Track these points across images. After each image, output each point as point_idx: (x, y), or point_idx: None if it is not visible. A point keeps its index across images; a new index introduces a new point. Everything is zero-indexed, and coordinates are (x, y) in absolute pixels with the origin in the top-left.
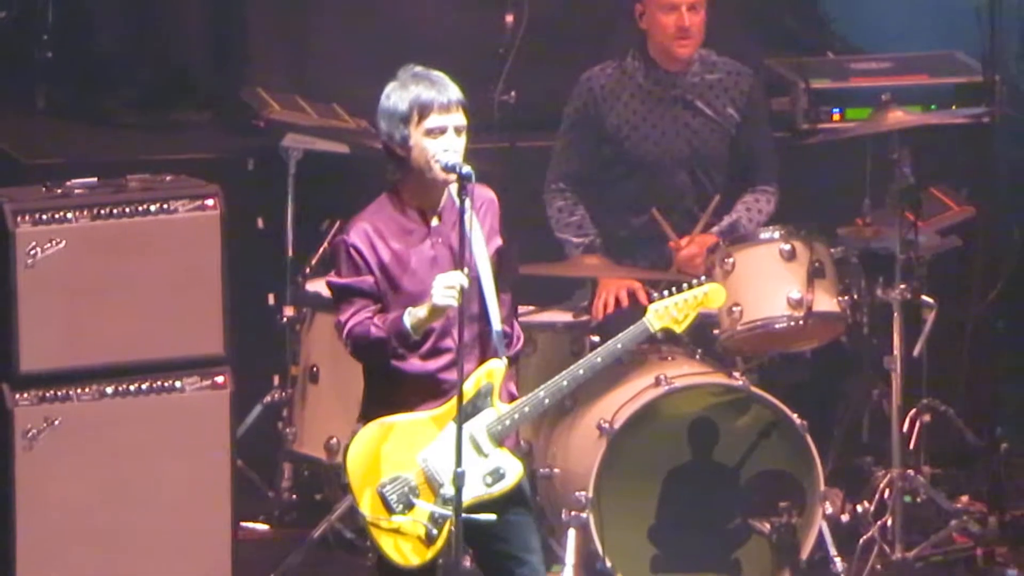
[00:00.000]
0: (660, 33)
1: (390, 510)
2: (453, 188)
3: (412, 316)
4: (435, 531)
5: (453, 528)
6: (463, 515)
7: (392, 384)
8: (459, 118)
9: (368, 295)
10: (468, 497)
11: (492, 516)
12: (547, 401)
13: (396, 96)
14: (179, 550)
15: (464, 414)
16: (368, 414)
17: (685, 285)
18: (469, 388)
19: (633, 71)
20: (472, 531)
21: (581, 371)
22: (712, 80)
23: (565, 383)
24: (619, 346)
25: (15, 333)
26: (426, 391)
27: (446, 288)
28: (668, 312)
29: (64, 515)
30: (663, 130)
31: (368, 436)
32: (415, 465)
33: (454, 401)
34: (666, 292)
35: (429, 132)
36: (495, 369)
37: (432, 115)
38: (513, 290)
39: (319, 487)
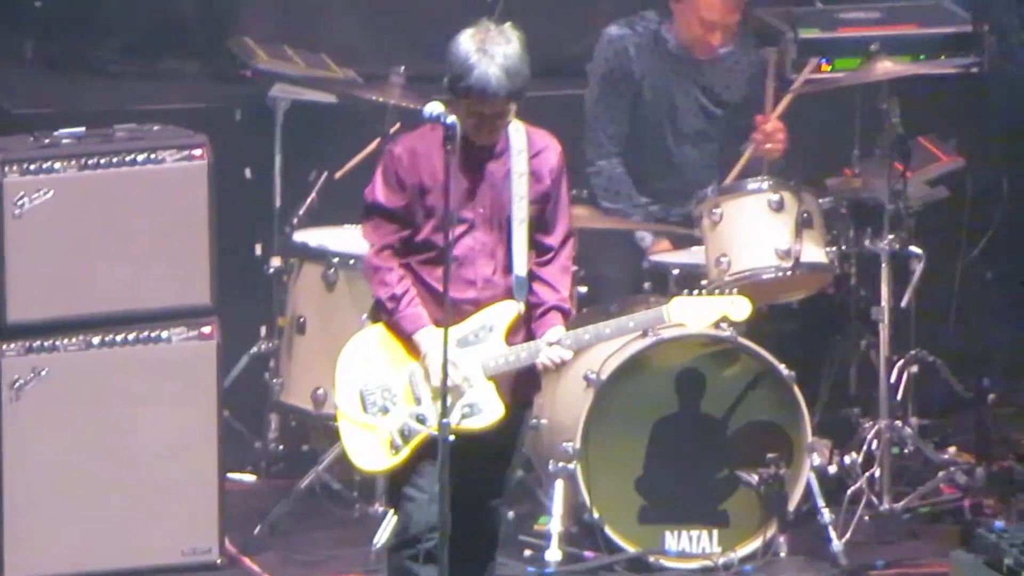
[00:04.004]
0: (695, 26)
1: (365, 409)
2: (512, 129)
3: (419, 336)
4: (400, 442)
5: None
6: (430, 431)
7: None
8: (501, 107)
9: (396, 218)
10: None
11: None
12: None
13: (457, 59)
14: (166, 500)
15: (465, 342)
16: (376, 314)
17: (717, 291)
18: (477, 318)
19: (665, 42)
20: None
21: (587, 336)
22: (725, 54)
23: (569, 342)
24: (631, 324)
25: (2, 283)
26: (439, 310)
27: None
28: (690, 309)
29: (51, 465)
30: (678, 105)
31: (368, 335)
32: (402, 375)
33: (463, 324)
34: (696, 291)
35: (468, 111)
36: (506, 308)
37: (473, 99)
38: (569, 240)
39: (306, 438)
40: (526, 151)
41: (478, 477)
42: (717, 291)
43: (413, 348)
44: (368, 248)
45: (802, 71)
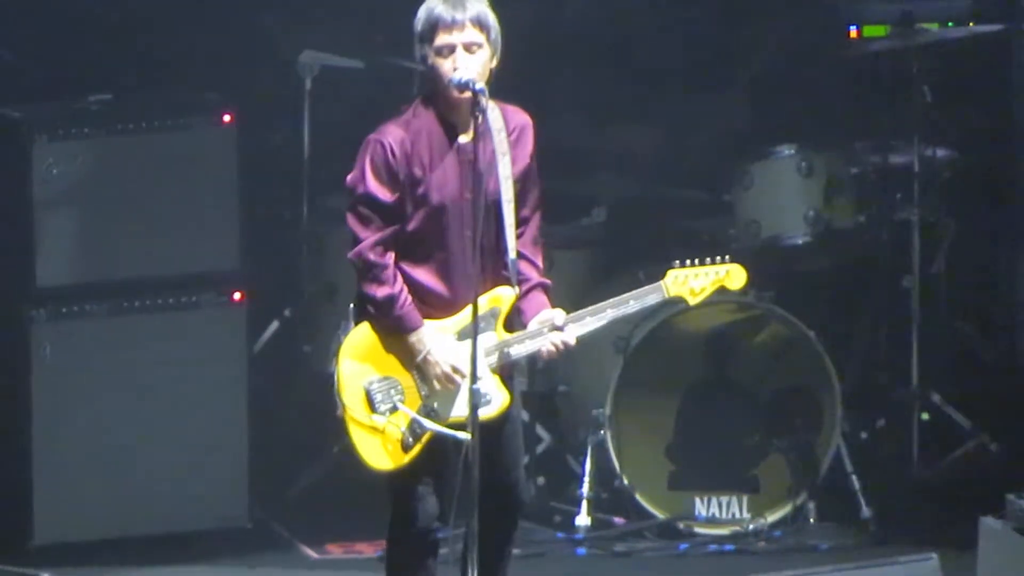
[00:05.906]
0: None
1: (373, 408)
2: (488, 107)
3: (417, 336)
4: (411, 440)
5: (470, 446)
6: (440, 429)
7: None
8: (470, 35)
9: (389, 213)
10: (451, 415)
11: (467, 435)
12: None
13: (420, 13)
14: (195, 466)
15: (464, 334)
16: (361, 314)
17: (708, 260)
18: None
19: None
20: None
21: (588, 318)
22: None
23: (573, 327)
24: (632, 302)
25: (32, 248)
26: (430, 303)
27: (445, 376)
28: (687, 281)
29: (80, 430)
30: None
31: (361, 333)
32: (408, 371)
33: (460, 317)
34: (688, 262)
35: (439, 51)
36: (503, 296)
37: (440, 33)
38: (538, 210)
39: (336, 403)
40: (504, 130)
41: (488, 462)
42: (709, 260)
43: (406, 346)
44: (361, 243)
45: None
